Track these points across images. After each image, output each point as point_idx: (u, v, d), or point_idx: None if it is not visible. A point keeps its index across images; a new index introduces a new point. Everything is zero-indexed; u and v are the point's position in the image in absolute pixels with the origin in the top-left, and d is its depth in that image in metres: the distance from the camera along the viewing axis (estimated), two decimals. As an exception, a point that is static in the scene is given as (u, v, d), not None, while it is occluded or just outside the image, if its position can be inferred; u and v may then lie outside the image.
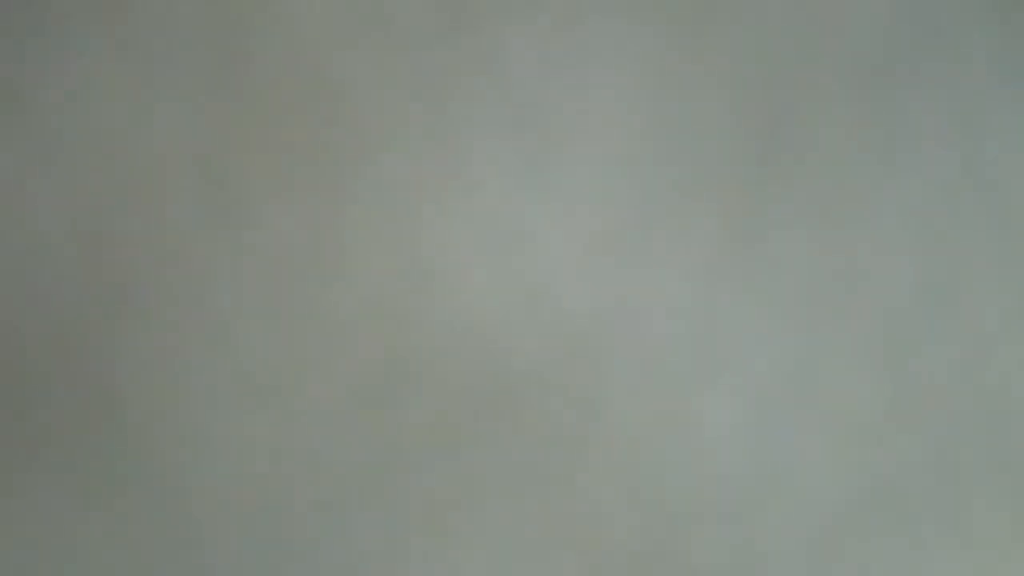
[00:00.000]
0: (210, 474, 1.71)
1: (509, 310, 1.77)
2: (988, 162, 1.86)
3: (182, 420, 1.71)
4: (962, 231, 1.85)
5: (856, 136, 1.84)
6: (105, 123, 1.71)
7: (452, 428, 1.76)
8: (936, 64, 1.85)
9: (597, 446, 1.78)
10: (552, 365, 1.78)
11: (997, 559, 1.83)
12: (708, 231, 1.81)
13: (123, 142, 1.72)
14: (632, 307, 1.80)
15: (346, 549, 1.73)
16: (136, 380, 1.71)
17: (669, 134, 1.81)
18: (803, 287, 1.82)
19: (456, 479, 1.75)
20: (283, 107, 1.74)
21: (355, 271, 1.75)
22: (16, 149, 1.70)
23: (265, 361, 1.73)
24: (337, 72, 1.75)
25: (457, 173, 1.77)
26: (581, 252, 1.79)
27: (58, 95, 1.70)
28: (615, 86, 1.80)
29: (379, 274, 1.75)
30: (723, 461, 1.80)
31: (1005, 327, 1.85)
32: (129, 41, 1.72)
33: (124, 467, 1.70)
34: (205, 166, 1.73)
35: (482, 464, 1.76)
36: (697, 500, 1.79)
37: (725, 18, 1.82)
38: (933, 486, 1.83)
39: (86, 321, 1.70)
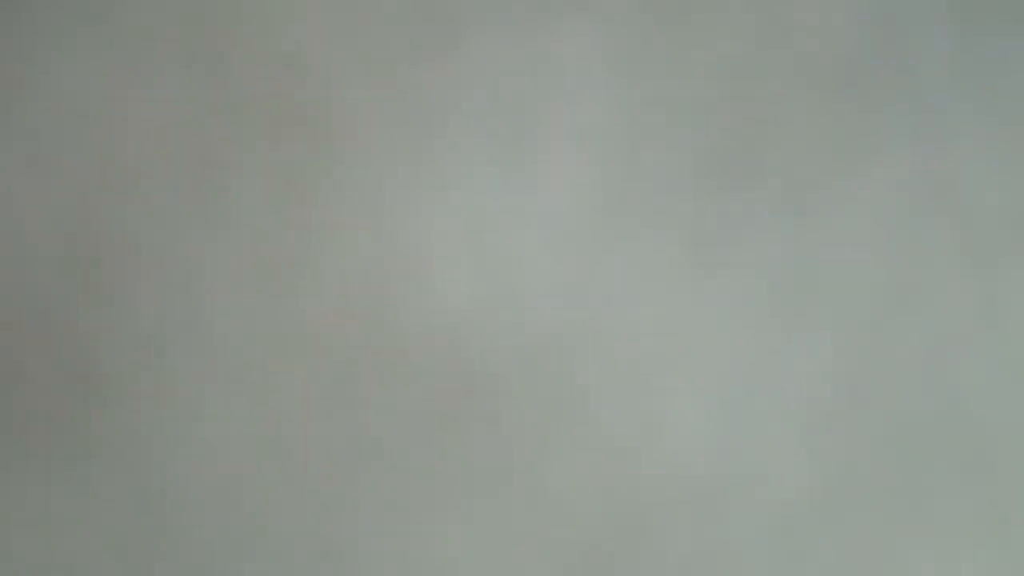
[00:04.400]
0: (190, 465, 1.71)
1: (482, 307, 1.77)
2: (950, 168, 1.85)
3: (164, 411, 1.71)
4: (923, 235, 1.85)
5: (820, 142, 1.83)
6: (90, 120, 1.71)
7: (425, 422, 1.75)
8: (899, 73, 1.85)
9: (567, 442, 1.78)
10: (524, 361, 1.77)
11: (960, 547, 1.83)
12: (676, 233, 1.81)
13: (107, 138, 1.72)
14: (602, 306, 1.80)
15: (321, 540, 1.73)
16: (119, 372, 1.70)
17: (639, 139, 1.81)
18: (768, 288, 1.82)
19: (429, 473, 1.75)
20: (265, 105, 1.74)
21: (333, 267, 1.75)
22: (2, 145, 1.70)
23: (244, 354, 1.73)
24: (317, 70, 1.75)
25: (433, 173, 1.77)
26: (553, 252, 1.79)
27: (44, 92, 1.70)
28: (589, 94, 1.80)
29: (356, 270, 1.75)
30: (690, 456, 1.79)
31: (965, 326, 1.85)
32: (116, 41, 1.72)
33: (107, 458, 1.70)
34: (188, 162, 1.73)
35: (454, 458, 1.76)
36: (665, 495, 1.79)
37: (694, 29, 1.82)
38: (897, 478, 1.83)
39: (69, 314, 1.70)
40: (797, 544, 1.80)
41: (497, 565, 1.76)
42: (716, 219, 1.80)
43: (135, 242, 1.71)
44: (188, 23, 1.73)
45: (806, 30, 1.83)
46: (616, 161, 1.80)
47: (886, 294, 1.83)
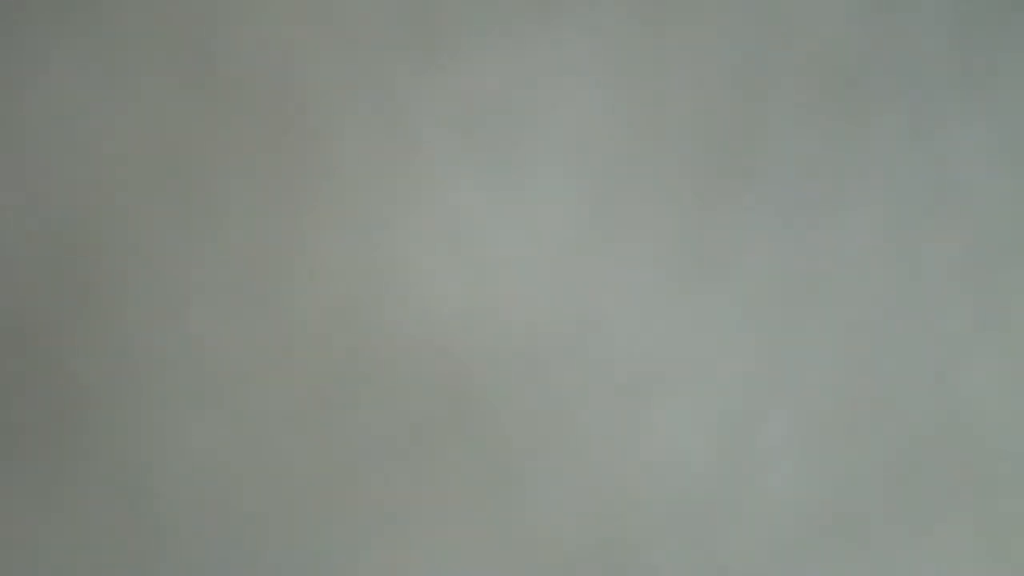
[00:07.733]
0: (172, 473, 1.72)
1: (470, 317, 1.78)
2: (951, 172, 1.86)
3: (145, 420, 1.72)
4: (927, 238, 1.86)
5: (821, 143, 1.84)
6: (74, 126, 1.72)
7: (412, 432, 1.76)
8: (898, 76, 1.86)
9: (556, 453, 1.78)
10: (513, 372, 1.78)
11: (962, 561, 1.83)
12: (672, 239, 1.82)
13: (91, 142, 1.73)
14: (593, 315, 1.80)
15: (304, 550, 1.74)
16: (100, 379, 1.71)
17: (634, 142, 1.82)
18: (767, 295, 1.82)
19: (415, 483, 1.76)
20: (250, 112, 1.75)
21: (318, 275, 1.75)
22: (-15, 151, 1.71)
23: (229, 362, 1.73)
24: (303, 76, 1.76)
25: (422, 179, 1.78)
26: (544, 259, 1.79)
27: (27, 95, 1.72)
28: (580, 95, 1.81)
29: (342, 278, 1.76)
30: (685, 469, 1.80)
31: (968, 335, 1.85)
32: (103, 48, 1.73)
33: (87, 466, 1.70)
34: (173, 170, 1.74)
35: (441, 469, 1.76)
36: (658, 508, 1.79)
37: (692, 28, 1.83)
38: (898, 491, 1.83)
39: (51, 320, 1.71)
40: (795, 560, 1.80)
41: (485, 578, 1.76)
42: (711, 225, 1.81)
43: (119, 250, 1.72)
44: (175, 30, 1.74)
45: (803, 35, 1.83)
46: (608, 168, 1.80)
47: (886, 302, 1.83)
